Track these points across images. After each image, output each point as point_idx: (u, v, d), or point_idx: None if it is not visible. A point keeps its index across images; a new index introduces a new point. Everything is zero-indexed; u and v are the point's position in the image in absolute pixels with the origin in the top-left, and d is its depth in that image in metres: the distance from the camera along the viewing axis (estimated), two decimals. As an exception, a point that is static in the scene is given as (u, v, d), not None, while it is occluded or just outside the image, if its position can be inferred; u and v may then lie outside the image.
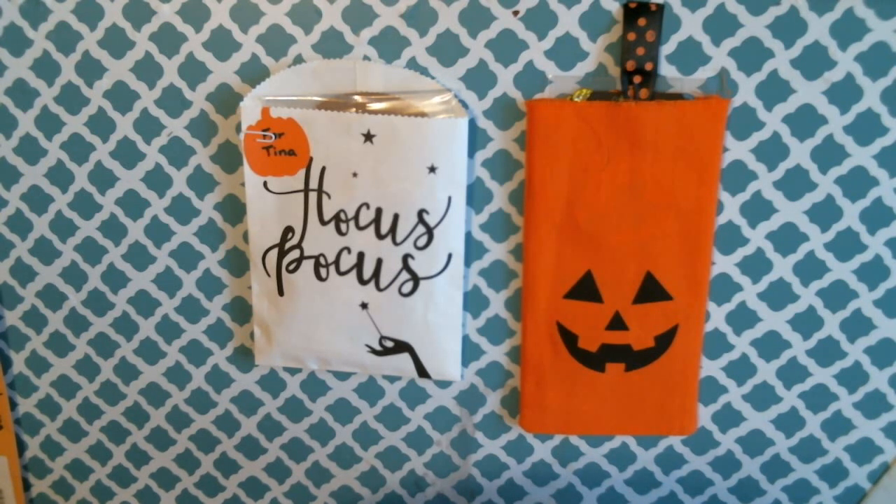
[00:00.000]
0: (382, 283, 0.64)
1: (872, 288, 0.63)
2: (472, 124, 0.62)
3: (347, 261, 0.64)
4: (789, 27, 0.57)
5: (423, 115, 0.60)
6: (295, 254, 0.65)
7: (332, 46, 0.61)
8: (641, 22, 0.57)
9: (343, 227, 0.63)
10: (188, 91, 0.64)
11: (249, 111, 0.62)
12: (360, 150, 0.61)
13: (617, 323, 0.63)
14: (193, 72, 0.64)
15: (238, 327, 0.71)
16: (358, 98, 0.61)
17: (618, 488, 0.72)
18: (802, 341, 0.65)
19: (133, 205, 0.68)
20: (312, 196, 0.63)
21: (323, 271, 0.64)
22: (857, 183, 0.60)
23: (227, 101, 0.64)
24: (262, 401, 0.73)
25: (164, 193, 0.68)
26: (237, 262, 0.69)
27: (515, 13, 0.59)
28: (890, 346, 0.64)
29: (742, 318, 0.65)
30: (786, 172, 0.60)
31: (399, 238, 0.63)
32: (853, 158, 0.59)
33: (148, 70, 0.64)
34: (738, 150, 0.60)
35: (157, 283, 0.71)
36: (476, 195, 0.64)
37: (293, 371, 0.72)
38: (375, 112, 0.60)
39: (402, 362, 0.66)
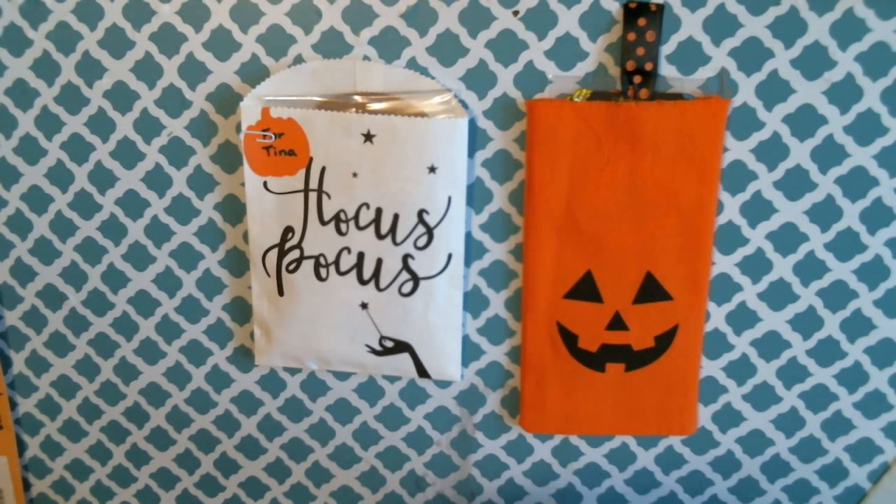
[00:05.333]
0: (382, 283, 0.64)
1: (872, 288, 0.63)
2: (472, 124, 0.62)
3: (347, 261, 0.64)
4: (789, 27, 0.57)
5: (423, 115, 0.60)
6: (295, 254, 0.65)
7: (332, 46, 0.61)
8: (641, 22, 0.57)
9: (343, 227, 0.63)
10: (188, 91, 0.64)
11: (249, 111, 0.62)
12: (360, 150, 0.61)
13: (617, 323, 0.63)
14: (193, 72, 0.64)
15: (238, 327, 0.71)
16: (358, 98, 0.61)
17: (618, 488, 0.72)
18: (802, 341, 0.65)
19: (133, 205, 0.68)
20: (312, 196, 0.63)
21: (323, 271, 0.64)
22: (857, 183, 0.60)
23: (227, 101, 0.64)
24: (262, 401, 0.73)
25: (164, 193, 0.68)
26: (237, 262, 0.69)
27: (515, 13, 0.59)
28: (890, 346, 0.64)
29: (742, 318, 0.65)
30: (786, 172, 0.60)
31: (399, 238, 0.63)
32: (853, 158, 0.59)
33: (148, 70, 0.64)
34: (738, 150, 0.60)
35: (157, 283, 0.71)
36: (476, 195, 0.64)
37: (293, 371, 0.72)
38: (375, 112, 0.60)
39: (402, 362, 0.66)
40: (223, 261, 0.69)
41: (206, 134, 0.65)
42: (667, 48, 0.58)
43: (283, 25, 0.61)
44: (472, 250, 0.65)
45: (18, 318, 0.74)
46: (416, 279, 0.64)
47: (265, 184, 0.64)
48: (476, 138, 0.62)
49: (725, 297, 0.64)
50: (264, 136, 0.62)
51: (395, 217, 0.62)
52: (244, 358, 0.72)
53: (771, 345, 0.65)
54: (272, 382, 0.73)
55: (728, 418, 0.68)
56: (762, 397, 0.67)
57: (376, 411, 0.72)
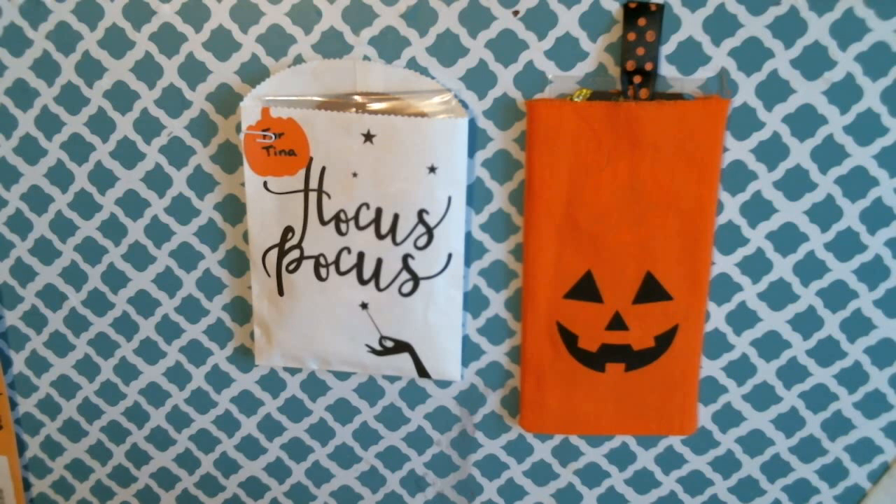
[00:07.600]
0: (382, 283, 0.64)
1: (872, 288, 0.63)
2: (472, 124, 0.62)
3: (347, 261, 0.64)
4: (789, 27, 0.57)
5: (423, 115, 0.60)
6: (295, 254, 0.65)
7: (332, 46, 0.61)
8: (641, 22, 0.57)
9: (343, 227, 0.63)
10: (188, 91, 0.64)
11: (249, 111, 0.62)
12: (360, 150, 0.61)
13: (617, 323, 0.63)
14: (193, 72, 0.64)
15: (238, 327, 0.71)
16: (358, 98, 0.61)
17: (618, 488, 0.72)
18: (802, 341, 0.65)
19: (133, 205, 0.68)
20: (312, 196, 0.63)
21: (323, 271, 0.64)
22: (857, 183, 0.60)
23: (227, 101, 0.64)
24: (262, 401, 0.73)
25: (164, 193, 0.68)
26: (237, 262, 0.69)
27: (515, 13, 0.59)
28: (890, 346, 0.64)
29: (742, 318, 0.65)
30: (786, 172, 0.60)
31: (399, 238, 0.63)
32: (853, 158, 0.59)
33: (148, 70, 0.64)
34: (738, 150, 0.60)
35: (157, 283, 0.71)
36: (476, 195, 0.64)
37: (293, 371, 0.72)
38: (375, 112, 0.60)
39: (402, 362, 0.66)
40: (223, 261, 0.69)
41: (206, 134, 0.65)
42: (667, 48, 0.58)
43: (283, 25, 0.61)
44: (472, 250, 0.65)
45: (18, 318, 0.74)
46: (416, 279, 0.64)
47: (265, 184, 0.64)
48: (476, 138, 0.62)
49: (725, 297, 0.64)
50: (264, 136, 0.62)
51: (395, 217, 0.62)
52: (244, 358, 0.72)
53: (771, 345, 0.65)
54: (272, 382, 0.73)
55: (728, 418, 0.68)
56: (762, 397, 0.67)
57: (376, 411, 0.72)
